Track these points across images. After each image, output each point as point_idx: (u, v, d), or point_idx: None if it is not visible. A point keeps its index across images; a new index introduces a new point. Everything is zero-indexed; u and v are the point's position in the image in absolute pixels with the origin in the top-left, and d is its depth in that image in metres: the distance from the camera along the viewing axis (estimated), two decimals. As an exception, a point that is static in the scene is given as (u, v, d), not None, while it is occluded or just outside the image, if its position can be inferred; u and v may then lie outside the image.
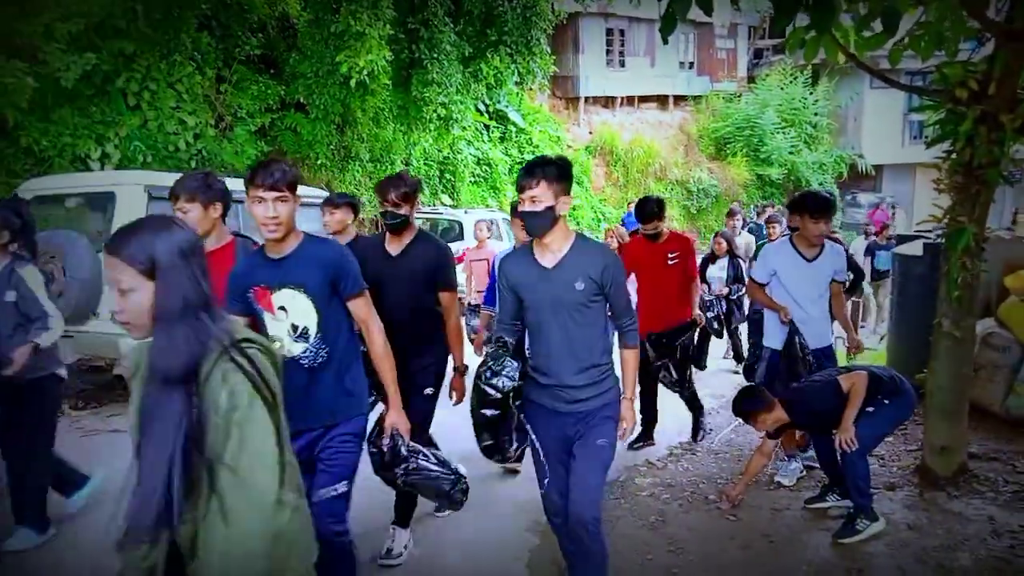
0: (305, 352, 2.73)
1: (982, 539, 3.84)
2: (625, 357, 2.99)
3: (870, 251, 11.19)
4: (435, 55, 11.74)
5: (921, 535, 3.92)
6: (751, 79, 25.50)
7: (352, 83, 10.33)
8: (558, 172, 2.72)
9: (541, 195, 2.66)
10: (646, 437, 5.52)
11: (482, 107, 16.63)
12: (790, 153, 22.63)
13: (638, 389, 4.97)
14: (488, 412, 2.84)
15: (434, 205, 14.15)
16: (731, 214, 9.07)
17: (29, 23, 8.15)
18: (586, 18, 21.39)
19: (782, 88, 23.32)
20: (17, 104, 7.85)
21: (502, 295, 2.97)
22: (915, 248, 6.39)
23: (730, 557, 3.80)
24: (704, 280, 7.36)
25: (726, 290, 7.49)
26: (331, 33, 10.47)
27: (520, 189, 2.71)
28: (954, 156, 4.22)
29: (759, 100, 23.30)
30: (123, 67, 9.46)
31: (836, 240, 5.65)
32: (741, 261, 7.68)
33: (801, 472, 4.75)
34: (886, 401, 3.93)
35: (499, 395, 2.82)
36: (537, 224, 2.72)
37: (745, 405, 4.12)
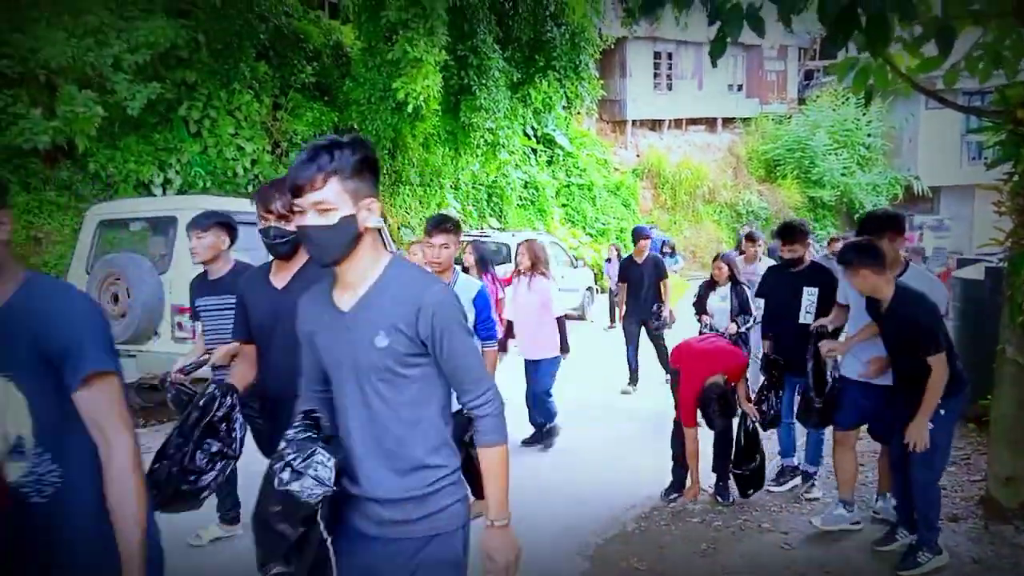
0: (25, 477, 1.60)
1: (1052, 575, 3.68)
2: (484, 461, 1.85)
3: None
4: (483, 81, 11.92)
5: (986, 569, 3.78)
6: (801, 100, 25.22)
7: (408, 108, 10.54)
8: (355, 162, 1.70)
9: (332, 199, 1.67)
10: (679, 487, 4.89)
11: (530, 131, 16.78)
12: (842, 175, 22.26)
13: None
14: (284, 529, 1.69)
15: (482, 228, 14.28)
16: (751, 238, 7.46)
17: (99, 55, 8.55)
18: (633, 42, 21.47)
19: (834, 109, 23.01)
20: (87, 132, 8.20)
21: (303, 347, 1.93)
22: (976, 272, 6.22)
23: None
24: (704, 311, 6.56)
25: (733, 326, 6.25)
26: (385, 60, 10.72)
27: (294, 191, 1.70)
28: (1016, 178, 4.12)
29: (810, 121, 23.02)
30: (185, 96, 9.83)
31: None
32: (746, 288, 6.47)
33: (846, 523, 4.29)
34: (950, 399, 3.65)
35: (302, 505, 1.69)
36: (327, 245, 1.72)
37: (855, 252, 3.70)
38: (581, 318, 12.06)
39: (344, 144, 1.72)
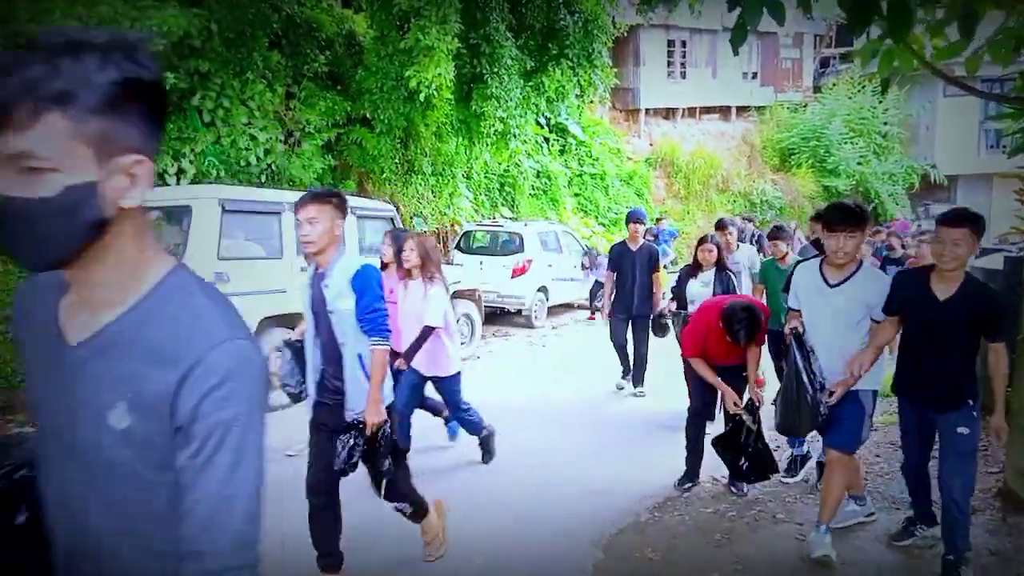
0: None
1: (1072, 567, 3.64)
2: None
3: (882, 268, 9.28)
4: (495, 69, 11.85)
5: (1004, 561, 3.75)
6: (817, 89, 24.96)
7: (420, 97, 10.50)
8: (106, 86, 0.97)
9: (45, 149, 0.94)
10: (693, 477, 4.93)
11: (543, 120, 16.69)
12: (858, 164, 22.05)
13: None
14: None
15: (494, 218, 14.24)
16: (721, 226, 7.07)
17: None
18: (647, 30, 21.29)
19: (849, 97, 22.76)
20: (102, 123, 8.22)
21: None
22: (995, 261, 6.14)
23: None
24: (683, 302, 6.10)
25: None
26: (397, 49, 10.67)
27: None
28: (1038, 166, 4.05)
29: (825, 110, 22.79)
30: (199, 85, 9.83)
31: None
32: (733, 275, 6.15)
33: (859, 518, 4.24)
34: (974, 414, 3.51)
35: None
36: (34, 233, 0.99)
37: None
38: (597, 310, 12.00)
39: (94, 46, 0.97)
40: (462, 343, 8.00)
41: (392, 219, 8.52)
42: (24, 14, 7.93)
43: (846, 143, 22.12)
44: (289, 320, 7.09)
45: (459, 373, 5.03)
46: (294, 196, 7.68)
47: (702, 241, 6.14)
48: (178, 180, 9.35)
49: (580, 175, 18.47)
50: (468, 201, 14.16)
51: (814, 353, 3.65)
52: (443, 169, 13.19)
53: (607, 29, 13.31)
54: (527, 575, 3.80)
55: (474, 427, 5.26)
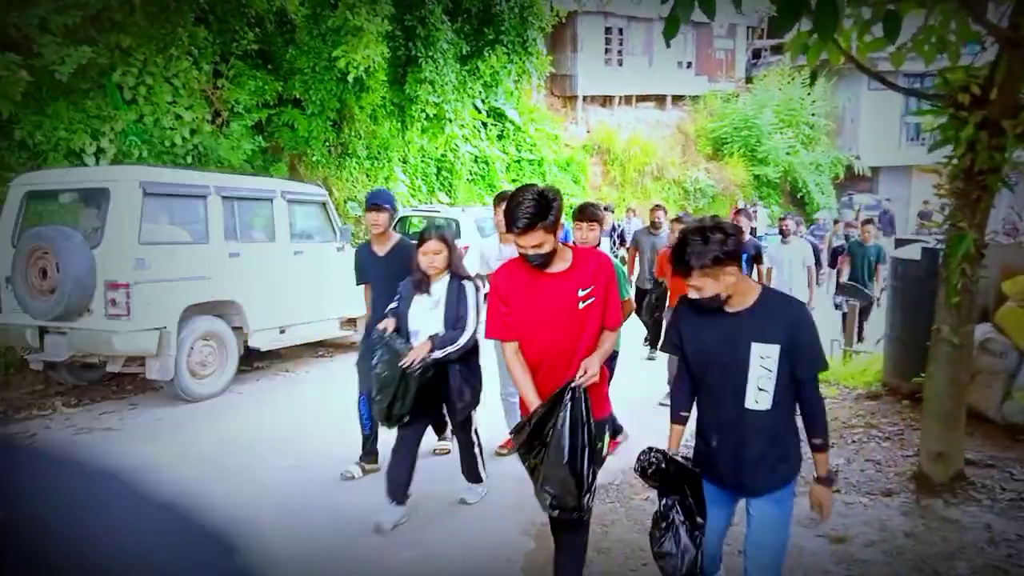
0: None
1: (979, 547, 3.82)
2: None
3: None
4: (430, 53, 11.70)
5: (918, 543, 3.90)
6: (749, 79, 25.53)
7: (350, 79, 10.28)
8: None
9: None
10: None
11: (480, 105, 16.58)
12: (787, 154, 22.66)
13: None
14: None
15: (431, 203, 14.10)
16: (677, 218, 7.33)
17: (24, 15, 8.07)
18: (584, 16, 21.34)
19: (780, 88, 23.34)
20: (11, 97, 7.77)
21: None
22: (912, 252, 6.37)
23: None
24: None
25: None
26: (328, 28, 10.41)
27: None
28: (955, 162, 4.19)
29: (757, 100, 23.32)
30: (119, 61, 9.37)
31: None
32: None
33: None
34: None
35: None
36: None
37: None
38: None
39: None
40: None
41: (324, 203, 8.32)
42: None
43: (776, 133, 22.71)
44: (213, 308, 6.87)
45: None
46: (221, 179, 7.46)
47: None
48: (97, 160, 8.92)
49: (518, 161, 18.45)
50: (404, 186, 13.97)
51: None
52: (378, 153, 12.97)
53: (543, 15, 13.28)
54: (457, 565, 3.78)
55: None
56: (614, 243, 13.73)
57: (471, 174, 16.45)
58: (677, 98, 24.50)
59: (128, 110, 9.42)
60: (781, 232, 8.21)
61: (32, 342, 6.41)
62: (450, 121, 12.78)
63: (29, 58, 7.95)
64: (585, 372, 2.85)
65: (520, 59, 13.06)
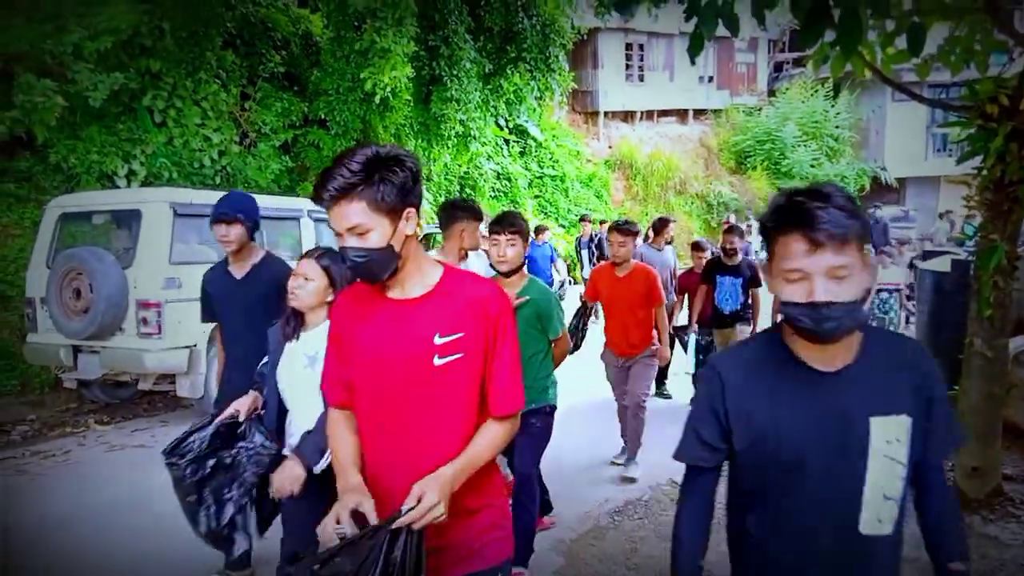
0: None
1: (1020, 564, 3.73)
2: None
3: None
4: (455, 72, 11.81)
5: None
6: (771, 92, 25.41)
7: (376, 99, 10.40)
8: None
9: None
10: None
11: (502, 122, 16.69)
12: (811, 166, 22.48)
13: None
14: None
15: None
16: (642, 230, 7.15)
17: (59, 42, 8.29)
18: (605, 33, 21.44)
19: (803, 101, 23.21)
20: (46, 122, 7.97)
21: None
22: (943, 264, 6.29)
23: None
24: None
25: None
26: (353, 50, 10.56)
27: None
28: (984, 173, 4.14)
29: (779, 113, 23.21)
30: (150, 85, 9.59)
31: None
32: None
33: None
34: None
35: None
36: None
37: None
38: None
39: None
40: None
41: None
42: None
43: (799, 146, 22.56)
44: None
45: None
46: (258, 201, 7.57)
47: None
48: (128, 182, 9.11)
49: (540, 177, 18.52)
50: (428, 203, 14.07)
51: None
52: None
53: (565, 33, 13.36)
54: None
55: None
56: (592, 255, 12.37)
57: (494, 191, 16.54)
58: (699, 112, 24.46)
59: (158, 133, 9.62)
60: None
61: (66, 361, 6.52)
62: (474, 139, 12.87)
63: (64, 84, 8.16)
64: (419, 501, 1.59)
65: (543, 76, 13.14)
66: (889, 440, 1.49)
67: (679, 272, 7.44)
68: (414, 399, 1.73)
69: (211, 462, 2.72)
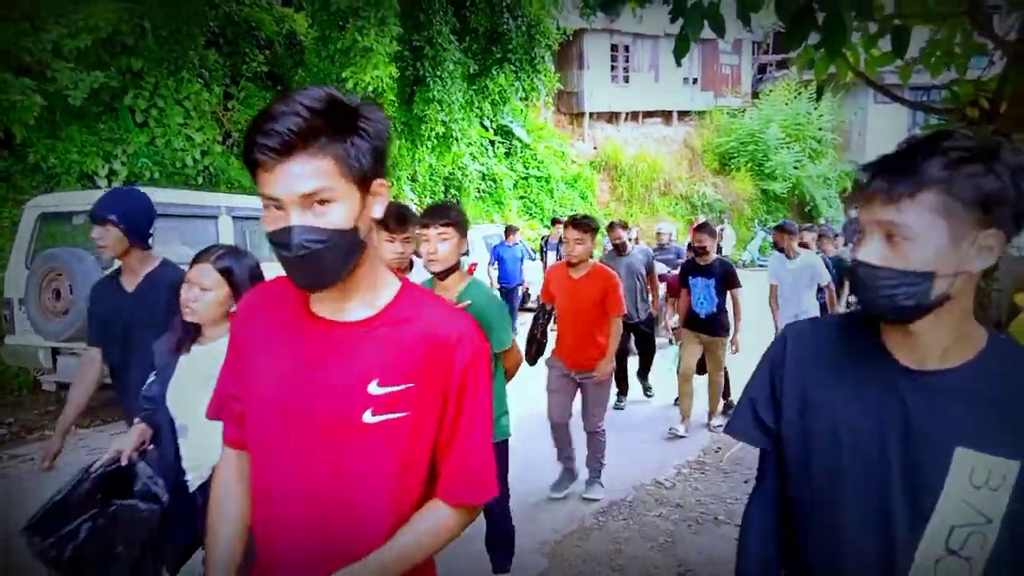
0: None
1: None
2: None
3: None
4: (438, 73, 11.79)
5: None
6: (755, 94, 25.59)
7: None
8: None
9: None
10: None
11: (487, 123, 16.69)
12: (794, 168, 22.67)
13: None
14: None
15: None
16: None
17: (38, 40, 8.19)
18: (591, 34, 21.48)
19: (786, 103, 23.40)
20: (25, 121, 7.87)
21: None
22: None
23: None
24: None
25: None
26: (337, 49, 10.52)
27: None
28: (965, 175, 4.16)
29: (763, 115, 23.38)
30: (131, 84, 9.49)
31: None
32: None
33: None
34: None
35: None
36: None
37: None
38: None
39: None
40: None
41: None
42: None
43: (782, 147, 22.73)
44: (226, 327, 6.88)
45: None
46: (232, 199, 7.48)
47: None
48: (109, 182, 9.00)
49: (525, 178, 18.53)
50: (413, 204, 14.04)
51: None
52: (387, 171, 13.05)
53: (550, 34, 13.38)
54: (472, 586, 3.75)
55: None
56: (559, 256, 11.41)
57: (479, 191, 16.53)
58: (683, 114, 24.58)
59: (139, 132, 9.53)
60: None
61: (45, 363, 6.45)
62: (456, 140, 12.85)
63: (43, 83, 8.06)
64: None
65: (528, 77, 13.14)
66: (978, 484, 1.10)
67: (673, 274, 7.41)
68: (327, 466, 1.22)
69: (86, 527, 2.24)
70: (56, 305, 6.17)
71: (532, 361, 4.41)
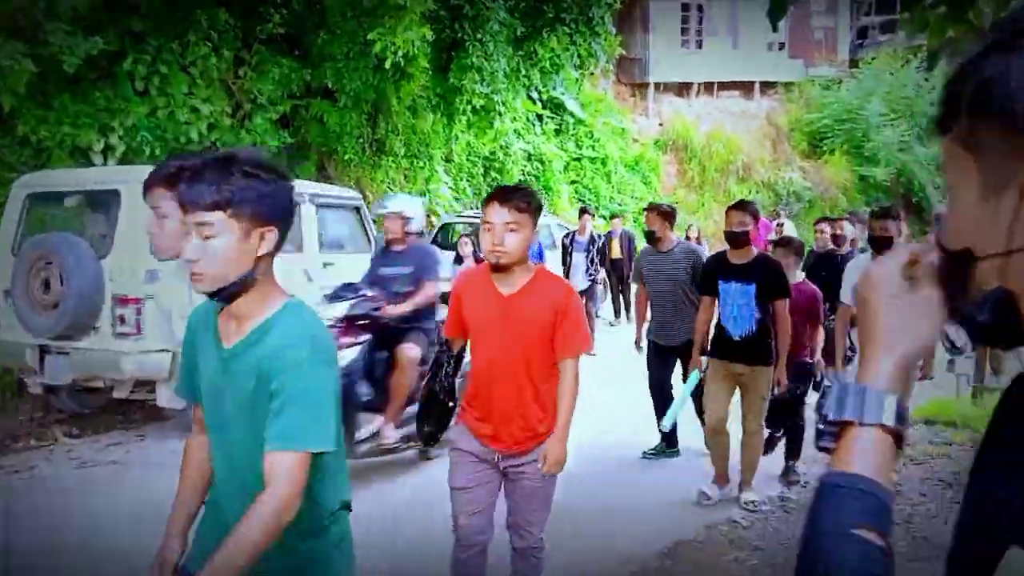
0: None
1: None
2: None
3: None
4: (478, 36, 11.81)
5: None
6: (854, 63, 25.14)
7: (387, 65, 10.43)
8: None
9: None
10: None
11: (535, 95, 16.69)
12: (900, 150, 22.20)
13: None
14: None
15: (478, 208, 14.21)
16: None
17: (30, -1, 8.42)
18: (658, -9, 21.38)
19: (891, 73, 22.95)
20: (14, 89, 8.10)
21: None
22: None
23: None
24: None
25: None
26: (364, 8, 10.61)
27: None
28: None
29: (863, 87, 22.98)
30: (130, 47, 9.69)
31: None
32: None
33: None
34: None
35: None
36: None
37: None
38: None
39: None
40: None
41: (358, 209, 8.45)
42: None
43: (886, 126, 22.30)
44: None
45: None
46: (313, 187, 7.54)
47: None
48: (105, 159, 9.23)
49: (578, 159, 18.51)
50: (447, 188, 14.13)
51: None
52: (418, 150, 13.16)
53: (611, -10, 13.34)
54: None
55: None
56: (592, 263, 10.92)
57: (524, 174, 16.55)
58: (767, 85, 24.28)
59: (139, 103, 9.74)
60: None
61: (31, 363, 6.62)
62: (499, 114, 12.88)
63: (35, 47, 8.29)
64: None
65: (584, 41, 13.12)
66: None
67: None
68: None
69: None
70: (45, 297, 6.34)
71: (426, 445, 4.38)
